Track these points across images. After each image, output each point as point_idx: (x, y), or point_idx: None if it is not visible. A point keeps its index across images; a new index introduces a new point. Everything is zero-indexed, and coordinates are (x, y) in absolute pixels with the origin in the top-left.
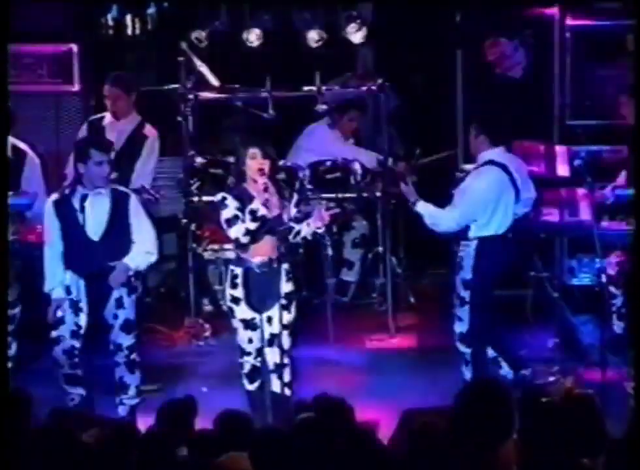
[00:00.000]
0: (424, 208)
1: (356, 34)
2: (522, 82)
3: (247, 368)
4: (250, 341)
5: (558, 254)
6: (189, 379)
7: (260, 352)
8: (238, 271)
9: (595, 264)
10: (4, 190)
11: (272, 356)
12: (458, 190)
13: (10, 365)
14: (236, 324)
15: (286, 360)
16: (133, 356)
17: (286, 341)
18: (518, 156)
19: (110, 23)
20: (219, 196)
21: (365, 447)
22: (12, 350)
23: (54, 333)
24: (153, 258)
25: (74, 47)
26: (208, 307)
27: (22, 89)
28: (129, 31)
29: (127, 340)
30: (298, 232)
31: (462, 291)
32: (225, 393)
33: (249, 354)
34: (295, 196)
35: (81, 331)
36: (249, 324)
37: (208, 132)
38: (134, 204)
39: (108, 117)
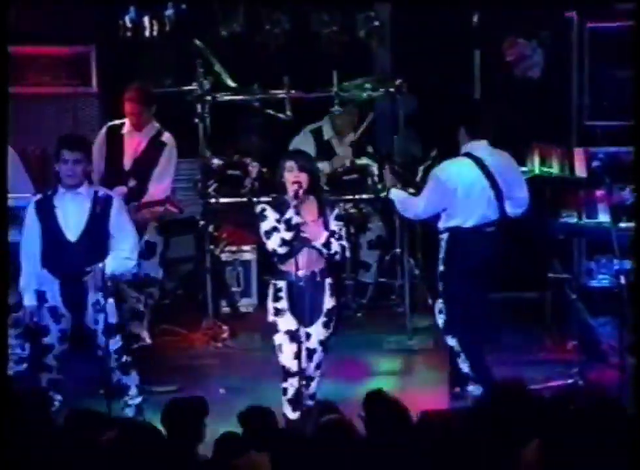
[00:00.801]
0: (396, 194)
1: (373, 35)
2: (540, 83)
3: (290, 393)
4: (296, 356)
5: (577, 255)
6: (207, 380)
7: (304, 374)
8: (282, 284)
9: (613, 266)
10: (4, 191)
11: (307, 370)
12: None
13: (25, 365)
14: (280, 339)
15: (316, 373)
16: (124, 358)
17: (320, 357)
18: (536, 157)
19: (128, 24)
20: (258, 208)
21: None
22: (26, 351)
23: (45, 341)
24: (132, 263)
25: (92, 49)
26: (225, 309)
27: (40, 91)
28: (147, 33)
29: (112, 344)
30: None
31: (438, 283)
32: (243, 394)
33: (294, 375)
34: (335, 210)
35: (68, 333)
36: (294, 336)
37: (225, 134)
38: (116, 209)
39: (127, 125)
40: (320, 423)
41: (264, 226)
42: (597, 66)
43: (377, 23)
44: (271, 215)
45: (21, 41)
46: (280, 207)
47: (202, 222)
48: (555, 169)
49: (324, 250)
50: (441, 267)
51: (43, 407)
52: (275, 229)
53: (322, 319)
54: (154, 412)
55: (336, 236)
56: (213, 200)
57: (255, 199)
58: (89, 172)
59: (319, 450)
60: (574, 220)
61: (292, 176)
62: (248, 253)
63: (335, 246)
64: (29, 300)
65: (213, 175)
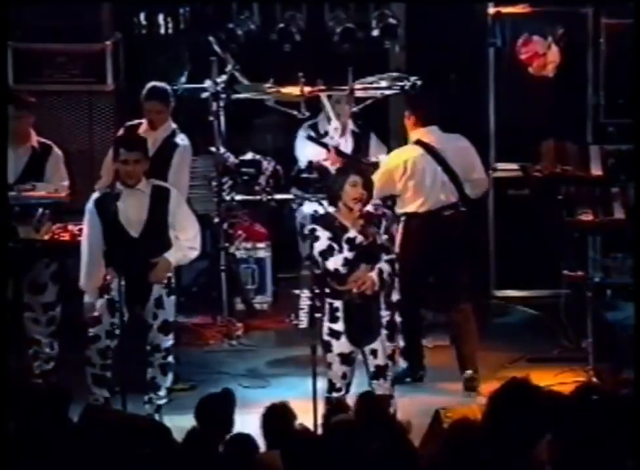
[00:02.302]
0: None
1: (388, 33)
2: (555, 81)
3: (332, 403)
4: (344, 376)
5: (592, 253)
6: (222, 378)
7: (349, 387)
8: (338, 303)
9: (629, 263)
10: (4, 189)
11: (380, 389)
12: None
13: (53, 364)
14: (331, 358)
15: (393, 390)
16: (169, 358)
17: (393, 372)
18: (551, 155)
19: (143, 22)
20: (308, 229)
21: (399, 449)
22: (55, 350)
23: (91, 331)
24: (195, 253)
25: (107, 47)
26: (240, 306)
27: (55, 89)
28: (162, 30)
29: (164, 341)
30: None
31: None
32: (258, 391)
33: (339, 390)
34: (384, 222)
35: (117, 332)
36: (346, 359)
37: (239, 131)
38: (175, 200)
39: (144, 125)
40: (330, 423)
41: (319, 246)
42: (612, 63)
43: (392, 21)
44: (323, 235)
45: (36, 38)
46: (329, 225)
47: (216, 220)
48: (570, 167)
49: (382, 267)
50: (397, 249)
51: (60, 404)
52: (331, 248)
53: (384, 332)
54: (167, 409)
55: (386, 251)
56: (227, 198)
57: (269, 197)
58: (147, 168)
59: (330, 449)
60: (589, 217)
61: (356, 192)
62: (262, 250)
63: (387, 261)
64: (91, 297)
65: (228, 173)
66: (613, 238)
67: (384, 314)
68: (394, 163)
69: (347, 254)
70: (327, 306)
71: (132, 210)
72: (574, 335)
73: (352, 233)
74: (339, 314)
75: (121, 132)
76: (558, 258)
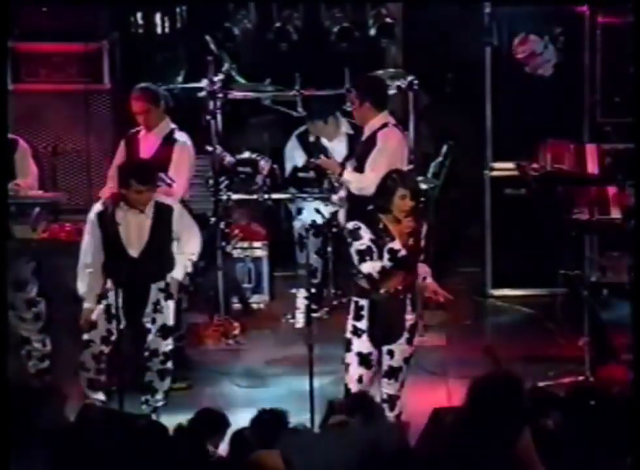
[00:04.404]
0: (350, 176)
1: (384, 32)
2: (552, 80)
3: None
4: (360, 380)
5: (588, 252)
6: (219, 377)
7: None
8: (364, 302)
9: (626, 262)
10: (4, 188)
11: (389, 388)
12: (374, 154)
13: (47, 362)
14: (350, 358)
15: (401, 392)
16: (168, 364)
17: (405, 375)
18: (548, 154)
19: (140, 21)
20: (351, 225)
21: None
22: (47, 346)
23: (85, 337)
24: (194, 258)
25: (104, 46)
26: (236, 305)
27: (52, 88)
28: (159, 30)
29: (163, 346)
30: None
31: None
32: (254, 390)
33: None
34: (425, 226)
35: (113, 338)
36: (364, 360)
37: (236, 130)
38: (178, 216)
39: (143, 130)
40: (327, 425)
41: (358, 245)
42: (608, 62)
43: (388, 20)
44: (365, 235)
45: (33, 38)
46: (373, 227)
47: (213, 219)
48: (567, 166)
49: (427, 270)
50: None
51: (54, 403)
52: (370, 250)
53: (405, 335)
54: (164, 408)
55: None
56: (224, 197)
57: (265, 196)
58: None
59: (324, 451)
60: (586, 216)
61: (405, 205)
62: (259, 250)
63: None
64: (90, 303)
65: (225, 172)
66: (609, 237)
67: (409, 318)
68: (393, 143)
69: (386, 263)
70: (352, 304)
71: (133, 230)
72: (570, 334)
73: (397, 244)
74: (364, 312)
75: (122, 144)
76: (554, 257)
